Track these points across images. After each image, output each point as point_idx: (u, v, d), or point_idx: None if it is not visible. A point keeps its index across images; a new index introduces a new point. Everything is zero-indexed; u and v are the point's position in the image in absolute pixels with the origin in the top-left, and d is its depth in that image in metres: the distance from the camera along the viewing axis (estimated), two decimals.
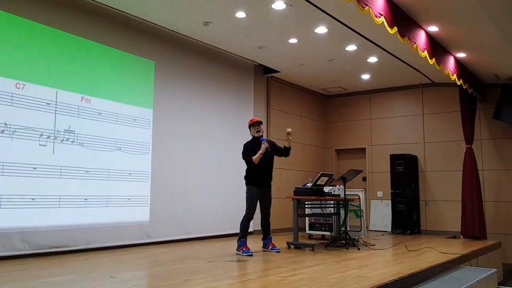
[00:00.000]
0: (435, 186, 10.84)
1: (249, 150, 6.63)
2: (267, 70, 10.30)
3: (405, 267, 5.36)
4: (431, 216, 10.82)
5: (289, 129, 6.77)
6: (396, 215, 10.62)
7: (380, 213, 11.17)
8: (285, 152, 6.83)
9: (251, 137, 6.80)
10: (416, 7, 6.53)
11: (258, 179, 6.65)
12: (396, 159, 10.79)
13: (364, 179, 11.84)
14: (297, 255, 6.44)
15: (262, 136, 6.69)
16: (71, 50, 6.61)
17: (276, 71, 10.28)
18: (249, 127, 6.82)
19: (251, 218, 6.64)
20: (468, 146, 9.72)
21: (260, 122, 6.78)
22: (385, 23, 5.94)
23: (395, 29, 6.18)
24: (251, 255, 6.26)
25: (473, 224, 9.33)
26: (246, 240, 6.51)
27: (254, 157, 6.49)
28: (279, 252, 6.65)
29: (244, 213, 6.63)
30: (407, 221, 10.47)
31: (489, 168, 10.26)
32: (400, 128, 11.51)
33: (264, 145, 6.50)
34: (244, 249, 6.39)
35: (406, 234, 10.22)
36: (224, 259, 5.87)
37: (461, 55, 8.45)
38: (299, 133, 11.52)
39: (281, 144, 6.94)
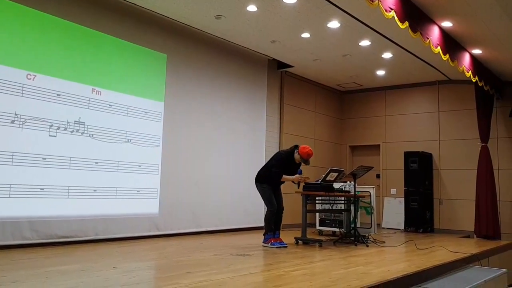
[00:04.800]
0: (449, 185, 10.69)
1: (282, 165, 6.69)
2: (281, 64, 10.25)
3: (412, 265, 5.29)
4: (445, 214, 10.68)
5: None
6: (409, 213, 10.52)
7: (393, 211, 11.06)
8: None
9: (289, 150, 6.90)
10: (429, 2, 6.42)
11: (274, 182, 6.79)
12: (410, 157, 10.67)
13: (378, 176, 11.74)
14: (304, 251, 6.41)
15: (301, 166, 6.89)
16: (83, 42, 6.66)
17: (290, 66, 10.23)
18: (301, 154, 6.67)
19: (275, 211, 6.71)
20: (483, 144, 9.56)
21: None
22: (396, 18, 5.86)
23: (406, 23, 6.09)
24: (286, 246, 6.57)
25: (487, 223, 9.19)
26: (273, 234, 6.67)
27: (285, 177, 6.61)
28: (286, 247, 6.63)
29: (266, 209, 6.81)
30: (420, 219, 10.35)
31: (505, 167, 10.07)
32: (415, 125, 11.37)
33: (298, 178, 6.62)
34: (272, 241, 6.57)
35: (419, 233, 10.11)
36: (230, 253, 5.87)
37: (477, 51, 8.29)
38: (313, 129, 11.47)
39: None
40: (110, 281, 3.99)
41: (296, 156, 6.78)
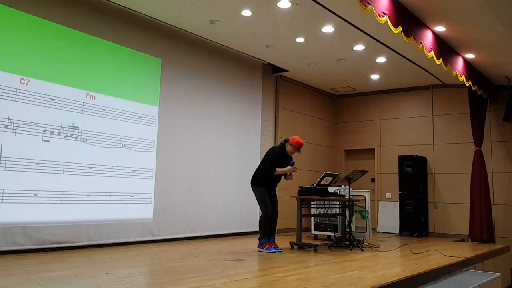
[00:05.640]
0: (443, 188, 10.71)
1: (276, 160, 6.74)
2: (276, 69, 10.26)
3: (406, 270, 5.28)
4: (440, 218, 10.69)
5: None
6: (404, 217, 10.52)
7: (388, 215, 11.06)
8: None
9: (281, 145, 6.98)
10: (422, 6, 6.44)
11: (270, 182, 6.82)
12: (405, 161, 10.68)
13: (372, 180, 11.75)
14: (299, 256, 6.39)
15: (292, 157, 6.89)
16: (77, 47, 6.64)
17: (284, 70, 10.24)
18: (293, 143, 6.79)
19: (269, 216, 6.72)
20: (477, 148, 9.59)
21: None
22: (389, 23, 5.87)
23: (400, 28, 6.10)
24: (281, 251, 6.59)
25: (481, 227, 9.20)
26: (269, 238, 6.69)
27: (278, 169, 6.66)
28: (281, 252, 6.62)
29: (261, 214, 6.82)
30: (415, 223, 10.36)
31: (499, 171, 10.11)
32: (410, 129, 11.39)
33: (290, 169, 6.68)
34: (267, 246, 6.59)
35: (414, 237, 10.12)
36: (224, 258, 5.85)
37: (470, 56, 8.32)
38: (308, 133, 11.48)
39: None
40: (102, 287, 3.96)
41: (289, 148, 6.83)
